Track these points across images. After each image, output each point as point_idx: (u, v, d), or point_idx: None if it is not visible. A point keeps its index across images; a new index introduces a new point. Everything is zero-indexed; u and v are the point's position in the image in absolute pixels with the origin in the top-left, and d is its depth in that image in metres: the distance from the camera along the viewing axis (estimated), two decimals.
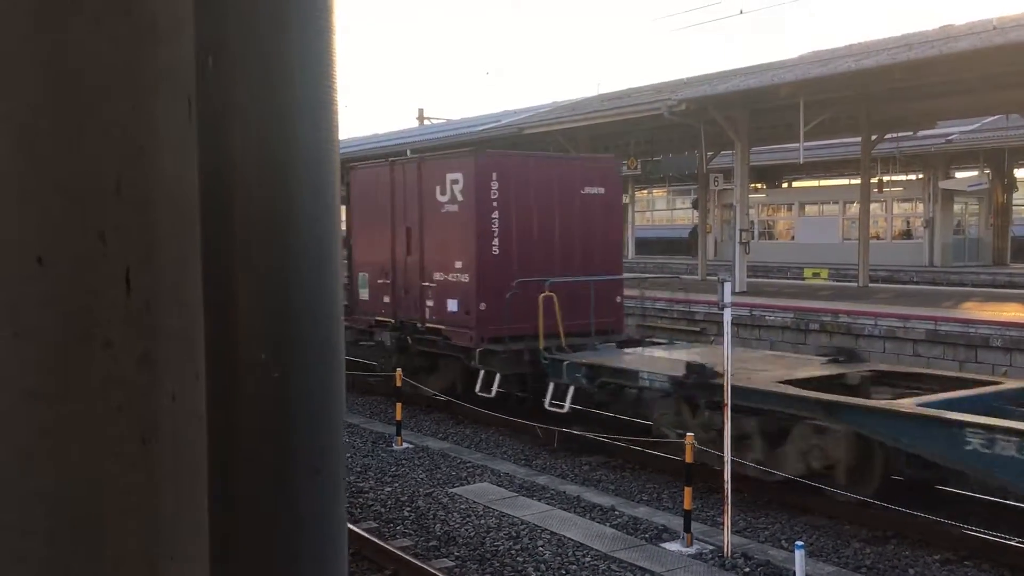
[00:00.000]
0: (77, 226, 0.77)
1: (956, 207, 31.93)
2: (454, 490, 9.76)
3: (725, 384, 8.14)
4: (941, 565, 7.64)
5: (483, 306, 12.66)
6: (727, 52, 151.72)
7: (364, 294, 15.40)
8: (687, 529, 8.02)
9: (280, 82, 0.92)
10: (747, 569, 7.50)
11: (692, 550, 7.89)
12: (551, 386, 11.75)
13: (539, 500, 9.37)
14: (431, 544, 8.20)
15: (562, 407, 11.50)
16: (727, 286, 8.01)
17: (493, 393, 12.48)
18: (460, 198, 12.95)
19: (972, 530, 7.82)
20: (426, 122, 51.35)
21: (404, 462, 11.00)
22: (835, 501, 8.72)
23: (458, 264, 12.99)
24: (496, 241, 12.83)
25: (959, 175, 33.12)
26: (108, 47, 0.77)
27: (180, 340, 0.82)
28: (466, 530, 8.50)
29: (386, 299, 14.77)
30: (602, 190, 13.82)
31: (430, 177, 13.56)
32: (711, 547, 7.93)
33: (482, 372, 12.65)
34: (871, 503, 8.35)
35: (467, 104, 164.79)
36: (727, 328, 8.06)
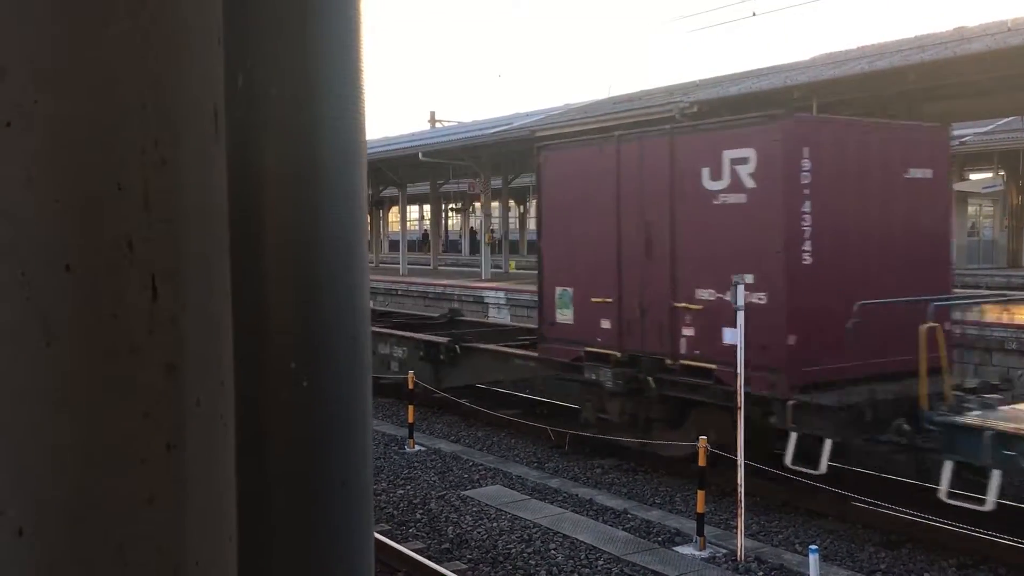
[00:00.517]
0: (105, 235, 0.78)
1: (970, 209, 31.80)
2: (466, 493, 9.77)
3: (738, 387, 8.12)
4: (957, 570, 7.60)
5: (792, 339, 8.98)
6: (739, 55, 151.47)
7: (565, 316, 11.55)
8: (700, 533, 8.01)
9: (308, 97, 0.93)
10: (760, 573, 7.48)
11: (705, 554, 7.87)
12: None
13: (551, 503, 9.36)
14: (444, 547, 8.21)
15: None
16: (740, 288, 8.00)
17: (823, 468, 8.59)
18: (750, 184, 9.29)
19: (986, 534, 7.77)
20: (438, 124, 51.46)
21: (416, 464, 11.01)
22: (850, 505, 8.68)
23: (747, 279, 8.76)
24: (809, 246, 9.16)
25: (973, 177, 32.96)
26: (139, 60, 0.78)
27: (206, 347, 0.83)
28: (478, 533, 8.51)
29: (606, 324, 10.98)
30: (930, 173, 10.13)
31: (692, 156, 9.92)
32: (724, 551, 7.91)
33: (794, 436, 8.84)
34: (885, 506, 8.31)
35: (479, 107, 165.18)
36: (740, 331, 8.02)
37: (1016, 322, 13.49)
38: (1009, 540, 7.76)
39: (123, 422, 0.80)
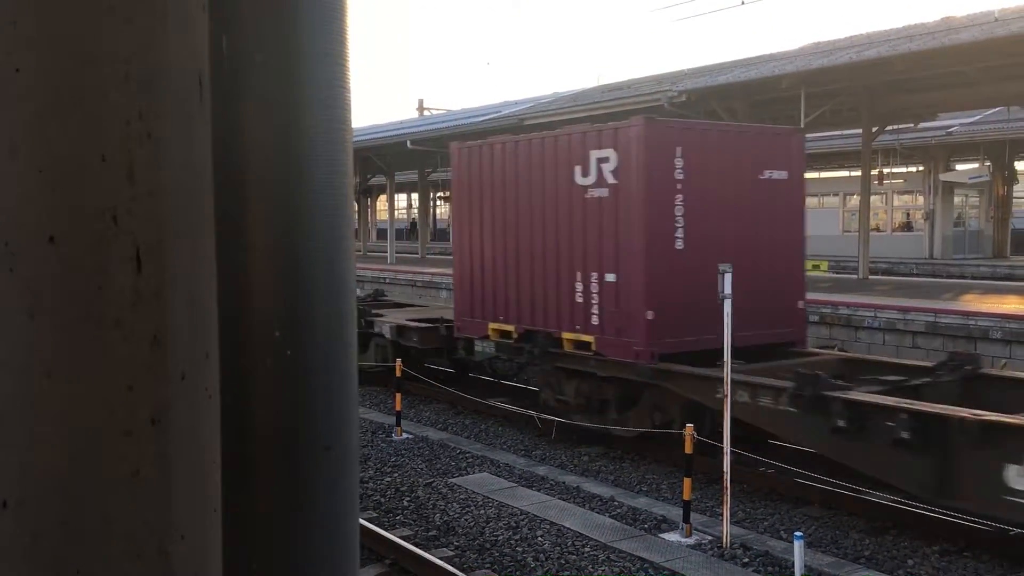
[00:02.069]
0: (89, 207, 0.78)
1: (956, 199, 31.90)
2: (454, 480, 9.78)
3: (725, 376, 8.16)
4: (940, 556, 7.66)
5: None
6: (728, 43, 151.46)
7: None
8: (686, 519, 8.04)
9: (292, 64, 0.92)
10: (746, 559, 7.53)
11: (691, 540, 7.91)
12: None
13: (538, 490, 9.39)
14: (431, 534, 8.22)
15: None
16: (727, 277, 8.02)
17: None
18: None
19: (971, 522, 7.84)
20: (426, 112, 51.28)
21: (404, 452, 11.02)
22: (835, 492, 8.74)
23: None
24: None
25: (960, 167, 33.08)
26: (123, 34, 0.77)
27: (192, 320, 0.83)
28: (465, 520, 8.52)
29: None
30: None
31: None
32: (710, 538, 7.95)
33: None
34: (869, 493, 8.37)
35: (467, 95, 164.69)
36: (727, 319, 8.06)
37: (859, 301, 14.00)
38: (991, 527, 7.83)
39: (108, 395, 0.80)
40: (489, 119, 27.16)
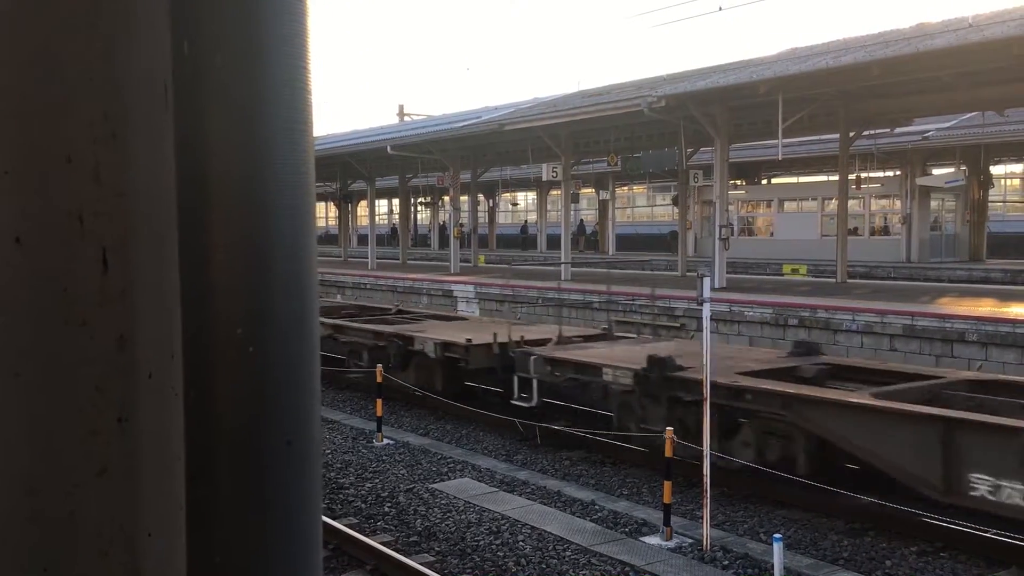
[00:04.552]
0: (55, 208, 0.79)
1: (933, 203, 32.20)
2: (435, 486, 9.78)
3: (704, 379, 8.20)
4: (918, 557, 7.73)
5: None
6: (707, 49, 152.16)
7: None
8: (667, 523, 8.08)
9: (254, 62, 0.93)
10: (726, 562, 7.56)
11: (672, 544, 7.94)
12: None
13: (520, 495, 9.40)
14: (412, 539, 8.21)
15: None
16: (706, 281, 8.07)
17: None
18: None
19: (948, 522, 7.91)
20: (407, 118, 51.24)
21: (385, 458, 11.00)
22: (813, 494, 8.80)
23: None
24: None
25: (936, 171, 33.38)
26: (88, 37, 0.78)
27: (157, 320, 0.84)
28: (447, 525, 8.52)
29: None
30: None
31: None
32: (690, 540, 7.98)
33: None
34: (846, 495, 8.43)
35: (448, 100, 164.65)
36: (706, 323, 8.11)
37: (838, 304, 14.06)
38: (968, 527, 7.90)
39: (74, 395, 0.81)
40: (470, 124, 27.17)
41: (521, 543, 7.99)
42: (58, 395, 0.81)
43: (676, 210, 29.81)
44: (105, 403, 0.82)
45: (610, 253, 41.29)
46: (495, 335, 12.58)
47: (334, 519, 8.53)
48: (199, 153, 0.93)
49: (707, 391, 8.18)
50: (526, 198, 54.75)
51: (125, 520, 0.82)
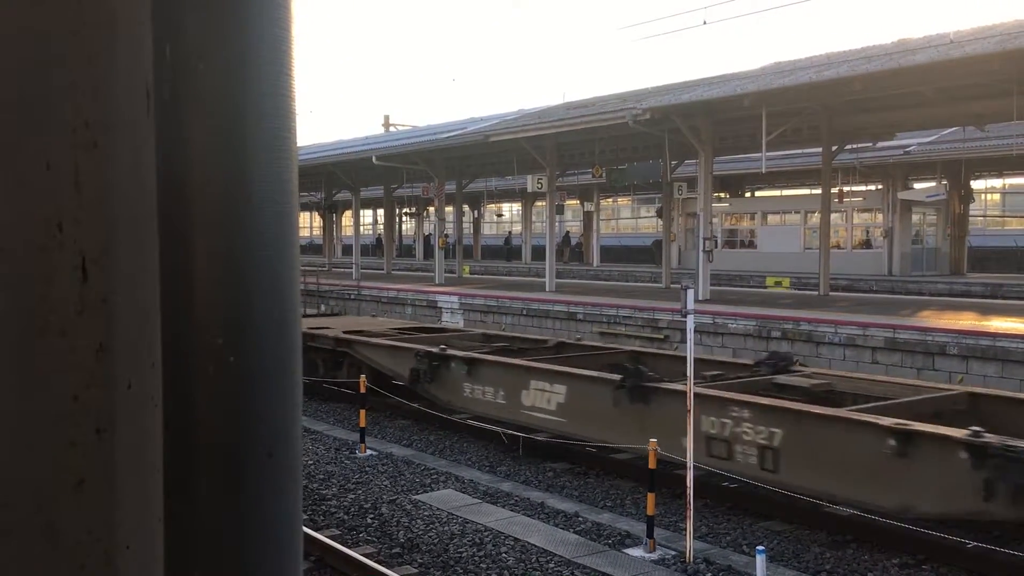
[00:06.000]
0: (34, 215, 0.78)
1: (914, 217, 32.45)
2: (418, 497, 9.73)
3: (688, 390, 8.21)
4: (900, 569, 7.75)
5: None
6: (691, 62, 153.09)
7: None
8: (650, 535, 8.07)
9: (238, 69, 0.93)
10: (709, 574, 7.56)
11: (655, 555, 7.93)
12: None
13: (503, 507, 9.37)
14: (394, 551, 8.17)
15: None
16: (690, 293, 8.09)
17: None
18: None
19: (930, 533, 7.94)
20: (392, 128, 51.27)
21: (368, 469, 10.95)
22: (796, 507, 8.82)
23: None
24: None
25: (917, 186, 33.67)
26: (69, 43, 0.77)
27: (137, 329, 0.83)
28: (429, 537, 8.48)
29: None
30: None
31: None
32: (673, 552, 7.98)
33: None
34: (829, 507, 8.45)
35: (433, 111, 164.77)
36: (690, 335, 8.13)
37: (820, 317, 13.86)
38: (951, 539, 7.93)
39: (52, 405, 0.79)
40: (455, 135, 27.20)
41: (504, 555, 7.96)
42: (36, 405, 0.79)
43: (660, 222, 29.92)
44: (83, 414, 0.81)
45: (595, 264, 41.39)
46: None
47: (316, 530, 8.48)
48: (181, 160, 0.92)
49: (691, 403, 8.18)
50: (511, 209, 54.83)
51: (103, 533, 0.80)
